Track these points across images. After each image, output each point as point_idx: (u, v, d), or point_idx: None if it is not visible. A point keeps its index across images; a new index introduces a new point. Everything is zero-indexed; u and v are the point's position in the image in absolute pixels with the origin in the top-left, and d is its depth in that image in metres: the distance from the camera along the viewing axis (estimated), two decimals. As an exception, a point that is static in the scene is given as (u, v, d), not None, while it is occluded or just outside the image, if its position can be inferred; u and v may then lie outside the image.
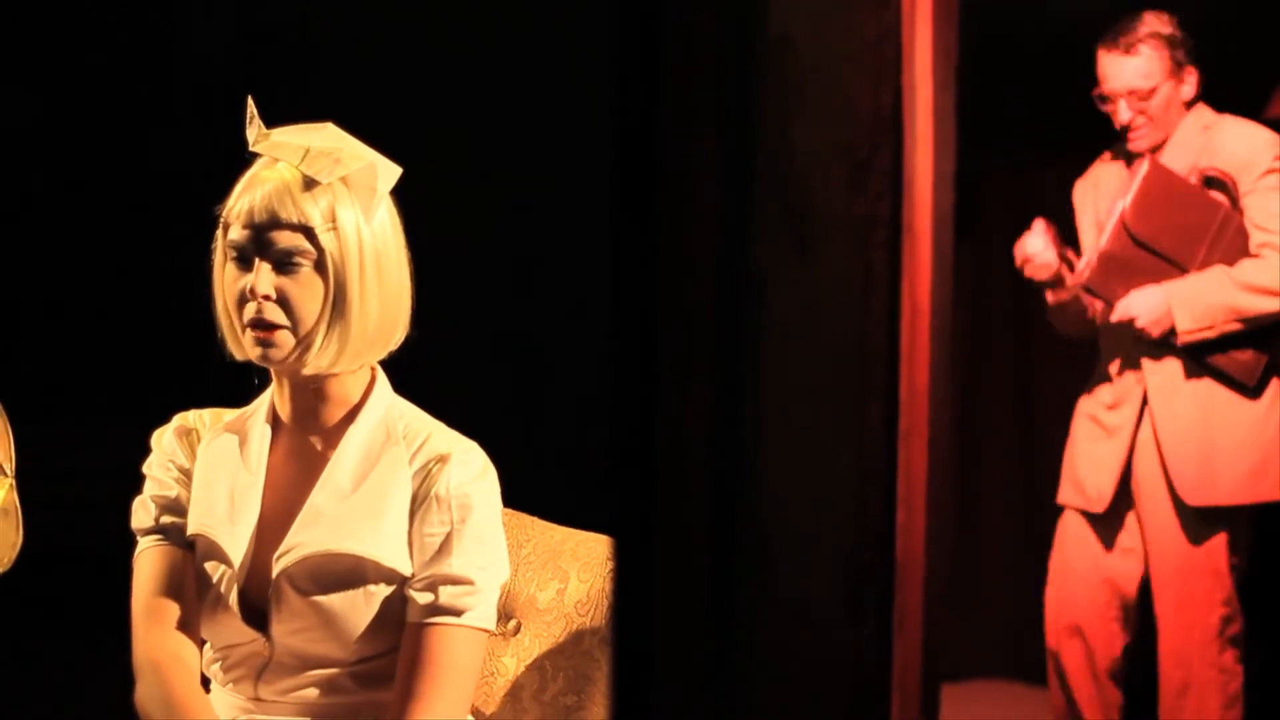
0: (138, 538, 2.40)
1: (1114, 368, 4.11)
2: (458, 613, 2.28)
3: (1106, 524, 4.12)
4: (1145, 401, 4.04)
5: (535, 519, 2.63)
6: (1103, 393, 4.13)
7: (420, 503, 2.31)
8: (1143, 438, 4.05)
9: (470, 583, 2.29)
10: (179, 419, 2.44)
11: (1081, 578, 4.14)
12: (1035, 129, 4.23)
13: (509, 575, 2.38)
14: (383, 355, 2.36)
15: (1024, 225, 4.17)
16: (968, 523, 5.33)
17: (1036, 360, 4.60)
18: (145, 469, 2.43)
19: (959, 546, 5.19)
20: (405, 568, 2.30)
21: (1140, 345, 4.03)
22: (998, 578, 5.35)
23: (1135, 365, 4.06)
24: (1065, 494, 4.21)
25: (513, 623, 2.56)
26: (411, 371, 2.41)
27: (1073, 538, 4.17)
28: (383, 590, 2.30)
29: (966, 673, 5.19)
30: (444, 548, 2.29)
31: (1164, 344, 4.00)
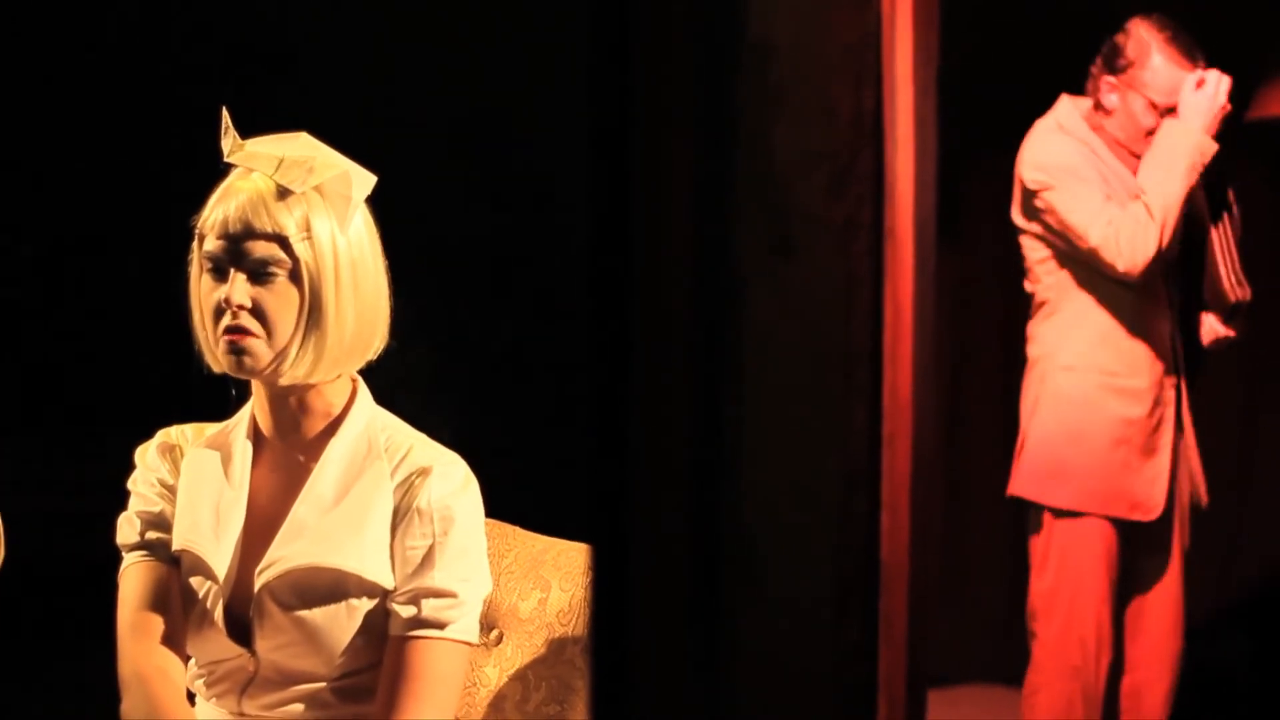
0: (123, 553, 2.39)
1: (1148, 375, 4.03)
2: (440, 625, 2.27)
3: (1136, 531, 4.04)
4: (1179, 406, 4.00)
5: (517, 529, 2.62)
6: (1133, 403, 4.00)
7: (402, 516, 2.30)
8: (1183, 442, 4.01)
9: (453, 595, 2.28)
10: (161, 435, 2.43)
11: (1101, 583, 4.06)
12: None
13: (491, 587, 2.37)
14: (361, 365, 2.35)
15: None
16: (953, 526, 5.32)
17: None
18: (129, 485, 2.42)
19: (944, 550, 5.19)
20: (387, 581, 2.29)
21: (1177, 351, 4.00)
22: (984, 581, 5.34)
23: (1173, 369, 4.01)
24: (1096, 503, 4.03)
25: (495, 633, 2.55)
26: (390, 381, 2.40)
27: (1098, 542, 4.02)
28: (365, 604, 2.29)
29: (953, 677, 5.19)
30: (426, 561, 2.28)
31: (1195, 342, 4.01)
